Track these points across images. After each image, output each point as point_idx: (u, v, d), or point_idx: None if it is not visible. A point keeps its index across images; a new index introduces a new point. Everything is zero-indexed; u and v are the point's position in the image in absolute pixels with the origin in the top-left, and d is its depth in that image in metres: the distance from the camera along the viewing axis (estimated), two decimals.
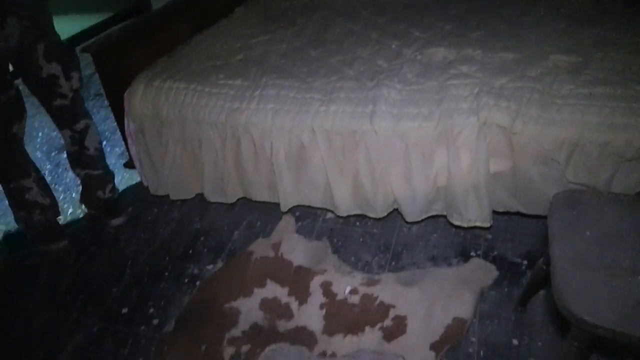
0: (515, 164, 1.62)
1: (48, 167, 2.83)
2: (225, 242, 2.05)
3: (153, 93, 2.11)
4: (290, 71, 2.11)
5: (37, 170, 2.02)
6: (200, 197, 2.26)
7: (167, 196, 2.29)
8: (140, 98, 2.13)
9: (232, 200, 2.15)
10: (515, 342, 1.48)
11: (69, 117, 1.98)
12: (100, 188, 2.16)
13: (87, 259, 2.09)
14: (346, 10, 2.74)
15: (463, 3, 2.60)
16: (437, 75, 1.87)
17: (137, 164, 2.31)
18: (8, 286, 2.01)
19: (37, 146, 3.10)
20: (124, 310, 1.82)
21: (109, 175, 2.22)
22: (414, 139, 1.70)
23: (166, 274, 1.94)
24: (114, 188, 2.24)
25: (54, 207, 2.08)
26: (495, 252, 1.79)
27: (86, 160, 2.09)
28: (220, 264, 1.95)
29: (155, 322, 1.75)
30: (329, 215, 2.10)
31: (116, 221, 2.23)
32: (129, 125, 2.22)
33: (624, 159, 1.47)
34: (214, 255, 2.00)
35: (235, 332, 1.65)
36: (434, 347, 1.49)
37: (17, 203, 1.99)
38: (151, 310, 1.80)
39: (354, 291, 1.73)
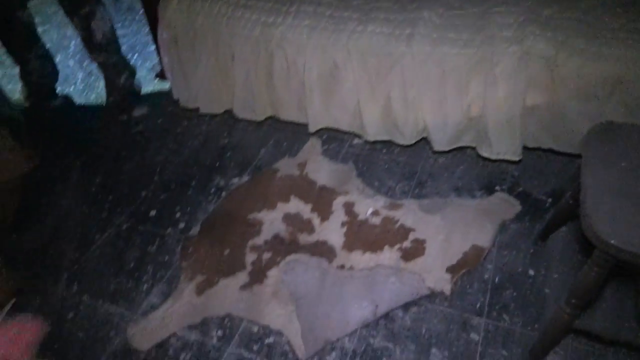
0: (554, 98, 1.58)
1: (80, 75, 2.86)
2: (252, 158, 2.08)
3: (188, 2, 2.08)
4: None
5: None
6: (229, 113, 2.27)
7: (197, 110, 2.31)
8: (174, 7, 2.10)
9: (261, 117, 2.16)
10: (531, 272, 1.50)
11: (75, 2, 2.03)
12: (117, 76, 2.22)
13: (118, 163, 2.15)
14: None
15: None
16: (482, 1, 1.79)
17: (168, 75, 2.31)
18: (44, 183, 2.09)
19: (69, 55, 3.12)
20: (152, 213, 1.89)
21: (125, 64, 2.27)
22: (451, 65, 1.66)
23: (193, 182, 2.00)
24: (131, 77, 2.29)
25: None
26: (521, 188, 1.78)
27: (96, 46, 2.15)
28: (246, 178, 1.99)
29: (182, 225, 1.82)
30: (356, 140, 2.10)
31: (137, 112, 2.29)
32: (162, 35, 2.20)
33: None
34: (240, 169, 2.03)
35: (258, 240, 1.71)
36: (450, 269, 1.53)
37: None
38: (178, 215, 1.86)
39: (375, 213, 1.76)
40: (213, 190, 1.95)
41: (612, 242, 0.96)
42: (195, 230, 1.79)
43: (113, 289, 1.63)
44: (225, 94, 2.20)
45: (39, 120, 2.46)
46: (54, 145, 2.30)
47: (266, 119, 2.19)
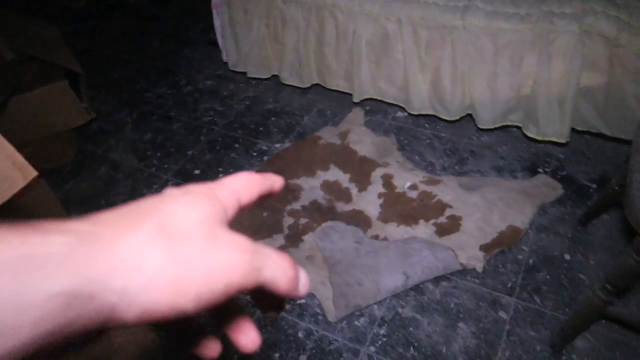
0: (611, 80, 1.52)
1: None
2: (295, 125, 2.11)
3: None
4: None
5: None
6: (276, 78, 2.30)
7: (245, 74, 2.35)
8: None
9: (307, 85, 2.17)
10: (567, 256, 1.49)
11: None
12: None
13: (168, 121, 2.23)
14: None
15: None
16: None
17: (219, 37, 2.35)
18: (99, 136, 2.20)
19: None
20: (197, 172, 1.96)
21: None
22: (504, 41, 1.61)
23: (237, 145, 2.05)
24: None
25: None
26: (565, 172, 1.74)
27: None
28: (288, 144, 2.02)
29: None
30: (399, 113, 2.09)
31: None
32: None
33: None
34: (283, 135, 2.07)
35: (296, 205, 1.76)
36: (484, 248, 1.53)
37: None
38: (220, 175, 1.92)
39: (413, 186, 1.76)
40: (256, 153, 2.00)
41: None
42: None
43: None
44: (273, 59, 2.22)
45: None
46: (109, 100, 2.40)
47: (312, 86, 2.20)
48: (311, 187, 1.82)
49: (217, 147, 2.05)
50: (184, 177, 1.94)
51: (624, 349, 1.26)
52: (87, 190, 1.93)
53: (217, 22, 2.31)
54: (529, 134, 1.71)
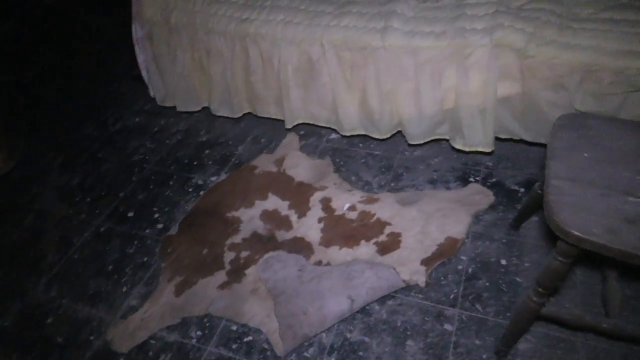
0: (524, 89, 1.59)
1: None
2: (230, 156, 2.08)
3: None
4: None
5: None
6: (206, 110, 2.27)
7: (174, 108, 2.30)
8: (148, 3, 2.08)
9: (238, 114, 2.15)
10: (503, 262, 1.53)
11: None
12: None
13: (96, 163, 2.14)
14: None
15: None
16: None
17: (144, 73, 2.30)
18: (23, 183, 2.07)
19: None
20: (130, 214, 1.88)
21: None
22: (424, 58, 1.67)
23: (171, 182, 1.99)
24: None
25: None
26: (494, 179, 1.81)
27: None
28: (224, 176, 1.99)
29: (160, 225, 1.82)
30: (333, 135, 2.11)
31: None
32: (137, 32, 2.19)
33: (634, 88, 1.44)
34: (218, 167, 2.03)
35: (236, 238, 1.72)
36: (425, 262, 1.55)
37: None
38: (156, 215, 1.86)
39: (352, 207, 1.77)
40: (191, 189, 1.95)
41: (574, 231, 0.98)
42: (173, 230, 1.79)
43: (92, 291, 1.63)
44: (202, 91, 2.19)
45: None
46: (32, 144, 2.28)
47: (244, 115, 2.18)
48: (250, 218, 1.79)
49: (151, 186, 1.99)
50: (117, 221, 1.86)
51: (563, 345, 1.30)
52: (13, 243, 1.81)
53: (140, 57, 2.26)
54: (457, 146, 1.76)
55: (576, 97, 1.53)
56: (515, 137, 1.72)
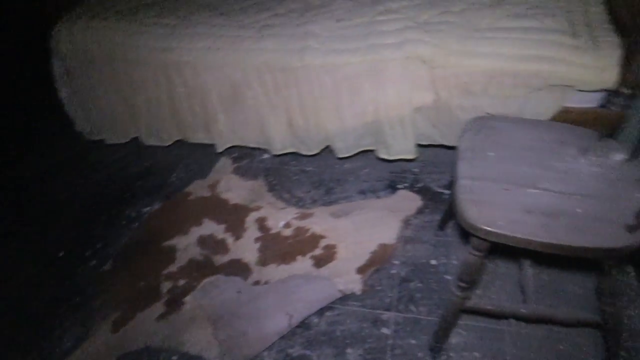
0: (437, 96, 1.69)
1: None
2: (163, 185, 2.07)
3: (81, 32, 2.04)
4: (222, 9, 2.08)
5: None
6: (136, 141, 2.24)
7: (103, 141, 2.26)
8: (66, 38, 2.05)
9: (168, 142, 2.14)
10: (433, 262, 1.60)
11: None
12: None
13: (22, 204, 2.06)
14: None
15: None
16: (365, 12, 1.89)
17: (68, 108, 2.24)
18: None
19: None
20: (61, 254, 1.82)
21: None
22: (341, 74, 1.73)
23: (102, 217, 1.95)
24: None
25: None
26: (421, 184, 1.89)
27: None
28: (157, 205, 1.97)
29: (93, 262, 1.77)
30: (265, 155, 2.14)
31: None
32: (57, 67, 2.14)
33: (532, 89, 1.57)
34: (151, 197, 2.01)
35: (173, 268, 1.70)
36: (360, 270, 1.59)
37: None
38: (87, 253, 1.81)
39: (287, 225, 1.80)
40: (124, 222, 1.91)
41: (481, 226, 1.05)
42: (107, 266, 1.75)
43: (24, 340, 1.56)
44: (129, 122, 2.16)
45: None
46: None
47: (175, 142, 2.17)
48: (186, 246, 1.77)
49: (81, 224, 1.93)
50: (48, 261, 1.79)
51: (491, 334, 1.37)
52: None
53: (63, 93, 2.21)
54: (381, 156, 1.83)
55: (483, 101, 1.64)
56: (435, 143, 1.81)
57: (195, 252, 1.74)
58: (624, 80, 1.20)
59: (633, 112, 1.54)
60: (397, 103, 1.71)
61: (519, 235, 1.02)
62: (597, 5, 1.73)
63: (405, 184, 1.90)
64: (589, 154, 1.22)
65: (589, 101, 1.59)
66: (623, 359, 1.31)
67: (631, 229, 1.00)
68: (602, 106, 1.54)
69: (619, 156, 1.20)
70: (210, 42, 1.90)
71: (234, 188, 1.98)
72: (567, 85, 1.54)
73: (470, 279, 1.19)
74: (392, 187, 1.89)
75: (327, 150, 2.00)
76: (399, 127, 1.75)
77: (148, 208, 1.96)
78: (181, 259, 1.73)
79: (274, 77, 1.83)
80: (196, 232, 1.82)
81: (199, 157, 2.18)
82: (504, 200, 1.10)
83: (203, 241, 1.78)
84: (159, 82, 1.98)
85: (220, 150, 2.06)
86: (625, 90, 1.20)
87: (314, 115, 1.84)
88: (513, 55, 1.57)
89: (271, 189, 1.97)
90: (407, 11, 1.84)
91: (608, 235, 1.01)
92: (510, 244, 1.04)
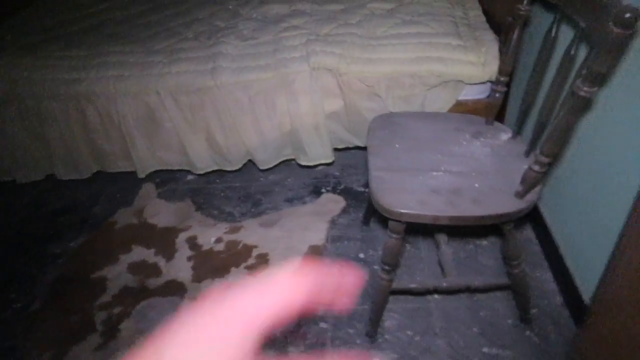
0: (346, 102, 1.81)
1: None
2: (86, 218, 2.02)
3: None
4: (130, 37, 2.09)
5: None
6: (51, 177, 2.17)
7: (14, 181, 2.17)
8: None
9: (87, 175, 2.10)
10: (362, 255, 1.70)
11: None
12: None
13: None
14: None
15: None
16: (270, 30, 1.99)
17: None
18: None
19: None
20: None
21: None
22: (255, 90, 1.81)
23: (24, 259, 1.87)
24: None
25: None
26: (343, 186, 2.00)
27: None
28: (82, 239, 1.92)
29: (18, 305, 1.69)
30: (189, 176, 2.16)
31: None
32: None
33: (429, 86, 1.73)
34: (75, 231, 1.96)
35: (105, 297, 1.67)
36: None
37: None
38: (12, 296, 1.73)
39: (218, 240, 1.83)
40: (49, 259, 1.85)
41: (395, 209, 1.16)
42: (35, 305, 1.68)
43: None
44: (42, 159, 2.09)
45: None
46: None
47: (95, 174, 2.13)
48: (117, 274, 1.75)
49: (3, 267, 1.84)
50: None
51: (421, 312, 1.49)
52: None
53: None
54: (302, 163, 1.92)
55: (388, 102, 1.78)
56: (350, 145, 1.93)
57: (128, 279, 1.73)
58: (500, 70, 1.37)
59: (511, 97, 1.75)
60: (310, 111, 1.81)
61: (428, 213, 1.14)
62: (475, 9, 1.95)
63: (329, 188, 2.00)
64: (480, 137, 1.38)
65: (479, 93, 1.78)
66: (534, 316, 1.47)
67: (519, 194, 1.15)
68: (489, 95, 1.73)
69: (505, 136, 1.37)
70: (120, 70, 1.91)
71: (161, 212, 1.99)
72: (458, 81, 1.72)
73: (392, 261, 1.30)
74: (317, 192, 1.98)
75: (251, 164, 2.06)
76: (314, 134, 1.85)
77: (72, 243, 1.91)
78: (113, 288, 1.70)
79: (189, 99, 1.87)
80: (126, 259, 1.80)
81: (122, 185, 2.15)
82: (412, 185, 1.22)
83: (134, 267, 1.77)
84: (71, 114, 1.95)
85: (142, 176, 2.05)
86: (502, 79, 1.38)
87: (233, 131, 1.89)
88: (408, 59, 1.72)
89: (199, 208, 1.99)
90: (309, 26, 1.96)
91: (501, 203, 1.15)
92: (423, 222, 1.16)
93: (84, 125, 1.97)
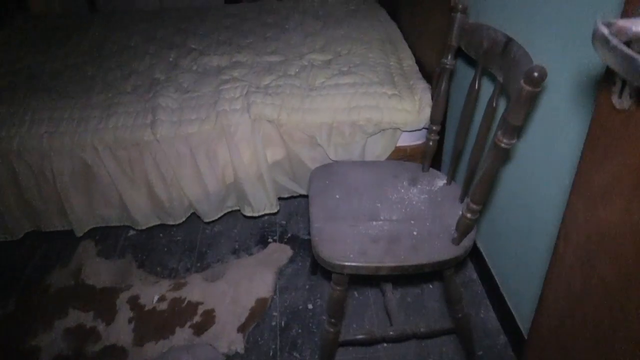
0: (288, 151, 1.82)
1: None
2: (16, 281, 1.90)
3: None
4: (64, 91, 2.04)
5: None
6: None
7: None
8: None
9: (18, 236, 1.99)
10: (310, 306, 1.68)
11: None
12: None
13: None
14: (123, 24, 2.72)
15: (236, 15, 2.79)
16: (211, 82, 1.99)
17: None
18: None
19: None
20: None
21: None
22: (196, 142, 1.79)
23: None
24: None
25: None
26: (289, 234, 1.99)
27: None
28: (12, 306, 1.80)
29: None
30: (131, 232, 2.08)
31: None
32: None
33: (368, 134, 1.78)
34: (4, 297, 1.83)
35: None
36: (241, 328, 1.61)
37: None
38: None
39: (162, 298, 1.76)
40: None
41: (335, 262, 1.16)
42: None
43: None
44: None
45: None
46: None
47: (27, 234, 2.02)
48: (51, 342, 1.64)
49: None
50: None
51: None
52: None
53: None
54: (247, 214, 1.90)
55: (329, 150, 1.81)
56: (295, 194, 1.94)
57: (63, 347, 1.62)
58: (432, 119, 1.43)
59: (446, 142, 1.82)
60: (252, 162, 1.81)
61: (369, 264, 1.15)
62: (408, 59, 2.04)
63: (275, 237, 1.98)
64: (417, 184, 1.41)
65: (416, 138, 1.85)
66: (480, 358, 1.48)
67: (455, 241, 1.18)
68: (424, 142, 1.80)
69: (440, 182, 1.42)
70: (54, 126, 1.84)
71: (100, 271, 1.89)
72: (395, 128, 1.78)
73: (337, 314, 1.29)
74: (263, 242, 1.96)
75: (195, 216, 2.02)
76: (258, 184, 1.84)
77: (1, 310, 1.78)
78: (46, 358, 1.59)
79: (128, 153, 1.82)
80: (61, 325, 1.70)
81: (57, 245, 2.05)
82: (352, 235, 1.23)
83: (70, 333, 1.66)
84: (2, 173, 1.86)
85: (79, 234, 1.96)
86: (434, 127, 1.43)
87: (174, 184, 1.86)
88: (347, 108, 1.77)
89: (141, 265, 1.92)
90: (249, 78, 1.98)
91: (439, 250, 1.18)
92: (364, 273, 1.16)
93: (16, 183, 1.87)
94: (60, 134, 1.82)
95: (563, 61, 1.11)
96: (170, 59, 2.26)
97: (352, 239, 1.22)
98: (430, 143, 1.47)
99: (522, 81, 0.88)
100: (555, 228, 1.13)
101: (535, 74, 0.85)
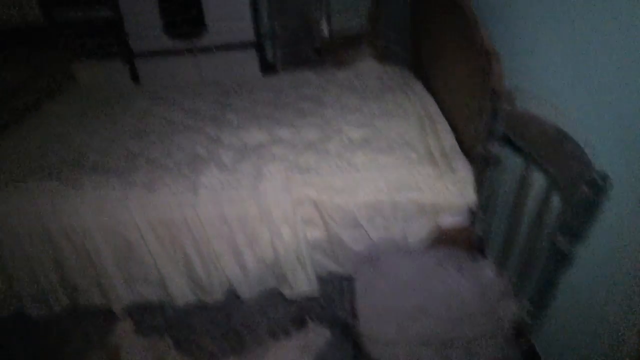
0: (329, 231, 1.80)
1: None
2: None
3: None
4: (108, 167, 2.09)
5: None
6: (19, 313, 2.04)
7: None
8: None
9: (57, 309, 1.98)
10: None
11: None
12: None
13: None
14: (165, 97, 2.82)
15: (274, 86, 2.87)
16: (251, 158, 2.01)
17: None
18: None
19: None
20: None
21: None
22: (236, 221, 1.80)
23: None
24: None
25: None
26: (328, 315, 1.93)
27: None
28: None
29: None
30: (169, 310, 2.06)
31: None
32: None
33: (410, 214, 1.75)
34: None
35: None
36: None
37: None
38: None
39: None
40: None
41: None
42: None
43: None
44: (7, 294, 1.98)
45: None
46: None
47: (65, 311, 2.01)
48: None
49: None
50: None
51: None
52: None
53: None
54: (286, 295, 1.87)
55: (370, 230, 1.78)
56: (334, 272, 1.90)
57: None
58: (480, 205, 1.40)
59: (492, 234, 1.77)
60: (292, 242, 1.80)
61: None
62: (448, 136, 2.03)
63: (313, 317, 1.92)
64: (464, 274, 1.36)
65: (459, 220, 1.80)
66: None
67: (508, 341, 1.12)
68: (469, 225, 1.75)
69: (489, 273, 1.36)
70: (99, 203, 1.88)
71: (136, 352, 1.86)
72: (437, 209, 1.74)
73: None
74: (302, 322, 1.91)
75: (232, 294, 1.99)
76: (298, 264, 1.82)
77: None
78: None
79: (168, 230, 1.84)
80: None
81: (96, 322, 2.03)
82: (402, 336, 1.18)
83: None
84: (45, 248, 1.89)
85: (117, 310, 1.95)
86: (480, 215, 1.39)
87: (213, 262, 1.85)
88: (388, 188, 1.75)
89: (178, 345, 1.88)
90: (289, 156, 2.00)
91: (493, 352, 1.11)
92: None
93: (58, 261, 1.90)
94: (105, 210, 1.85)
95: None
96: (211, 133, 2.31)
97: (403, 339, 1.16)
98: (477, 226, 1.43)
99: (583, 185, 0.84)
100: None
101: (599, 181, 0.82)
